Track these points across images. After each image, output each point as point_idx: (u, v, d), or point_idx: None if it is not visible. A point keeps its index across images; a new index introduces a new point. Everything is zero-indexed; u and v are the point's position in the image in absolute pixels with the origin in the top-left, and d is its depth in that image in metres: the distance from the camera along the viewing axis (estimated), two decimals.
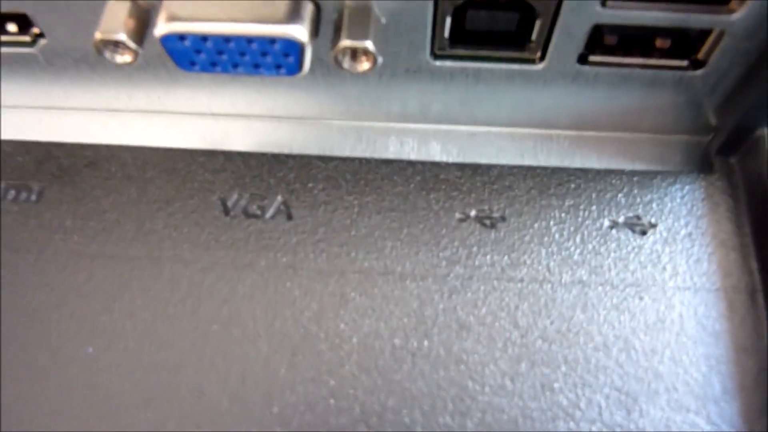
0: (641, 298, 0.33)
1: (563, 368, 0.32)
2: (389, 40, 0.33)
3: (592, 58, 0.34)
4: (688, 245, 0.34)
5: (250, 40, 0.31)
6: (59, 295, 0.33)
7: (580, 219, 0.35)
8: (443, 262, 0.34)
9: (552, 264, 0.34)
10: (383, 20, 0.32)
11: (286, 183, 0.36)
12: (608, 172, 0.36)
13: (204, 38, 0.31)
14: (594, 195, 0.35)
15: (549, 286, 0.33)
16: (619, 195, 0.35)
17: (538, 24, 0.32)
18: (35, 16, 0.34)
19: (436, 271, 0.34)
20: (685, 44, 0.33)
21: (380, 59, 0.31)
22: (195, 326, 0.33)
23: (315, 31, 0.32)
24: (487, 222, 0.35)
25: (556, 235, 0.35)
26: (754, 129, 0.35)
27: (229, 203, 0.35)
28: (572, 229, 0.35)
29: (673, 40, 0.33)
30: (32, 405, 0.32)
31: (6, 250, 0.34)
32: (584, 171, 0.36)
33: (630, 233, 0.35)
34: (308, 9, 0.31)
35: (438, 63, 0.34)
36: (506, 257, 0.34)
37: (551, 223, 0.35)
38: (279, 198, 0.35)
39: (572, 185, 0.36)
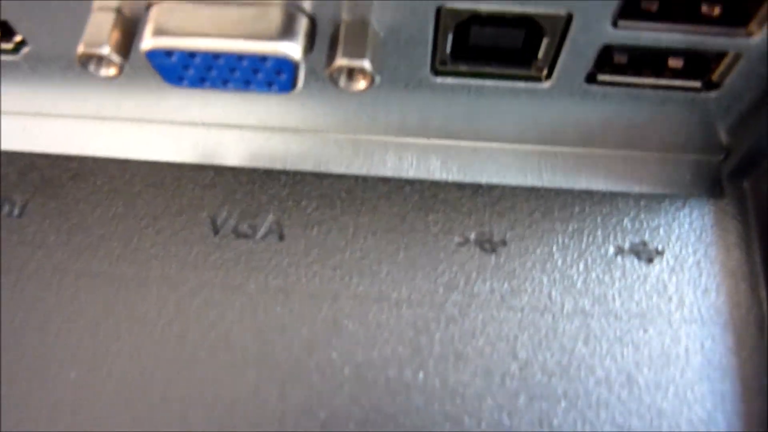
0: (646, 330, 0.32)
1: (563, 403, 0.31)
2: (388, 55, 0.32)
3: (601, 77, 0.32)
4: (696, 274, 0.33)
5: (240, 57, 0.29)
6: (41, 316, 0.32)
7: (584, 245, 0.33)
8: (440, 289, 0.33)
9: (554, 292, 0.33)
10: (381, 34, 0.30)
11: (278, 200, 0.34)
12: (614, 195, 0.35)
13: (192, 54, 0.29)
14: (599, 219, 0.34)
15: (550, 316, 0.32)
16: (625, 219, 0.34)
17: (545, 42, 0.31)
18: (17, 23, 0.32)
19: (433, 298, 0.32)
20: (699, 65, 0.32)
21: (378, 78, 0.29)
22: (181, 352, 0.31)
23: (310, 46, 0.30)
24: (487, 246, 0.34)
25: (559, 262, 0.33)
26: (767, 154, 0.34)
27: (219, 221, 0.34)
28: (576, 255, 0.33)
29: (686, 61, 0.32)
30: (12, 430, 0.31)
31: None
32: (589, 193, 0.35)
33: (636, 260, 0.33)
34: (303, 23, 0.29)
35: (439, 79, 0.33)
36: (506, 284, 0.33)
37: (554, 248, 0.33)
38: (271, 216, 0.34)
39: (576, 208, 0.34)
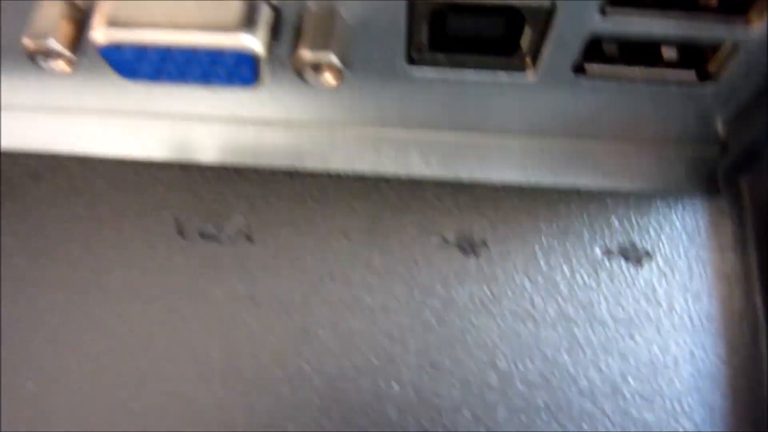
0: (633, 338, 0.30)
1: (543, 416, 0.29)
2: (359, 45, 0.30)
3: (590, 68, 0.30)
4: (687, 278, 0.31)
5: (197, 50, 0.27)
6: None
7: (569, 246, 0.32)
8: (417, 294, 0.31)
9: (536, 298, 0.31)
10: (351, 24, 0.28)
11: (247, 200, 0.32)
12: (602, 193, 0.33)
13: (145, 48, 0.27)
14: (586, 218, 0.32)
15: (532, 323, 0.30)
16: (614, 219, 0.32)
17: (528, 32, 0.29)
18: None
19: (408, 305, 0.31)
20: (694, 55, 0.30)
21: (347, 72, 0.27)
22: (143, 362, 0.30)
23: (274, 37, 0.28)
24: (467, 248, 0.32)
25: (543, 265, 0.31)
26: (766, 149, 0.31)
27: (184, 223, 0.32)
28: (560, 257, 0.32)
29: (681, 51, 0.30)
30: None
31: None
32: (576, 191, 0.33)
33: (624, 263, 0.31)
34: (264, 13, 0.27)
35: (416, 70, 0.31)
36: (486, 289, 0.31)
37: (537, 250, 0.32)
38: (239, 218, 0.32)
39: (562, 207, 0.32)
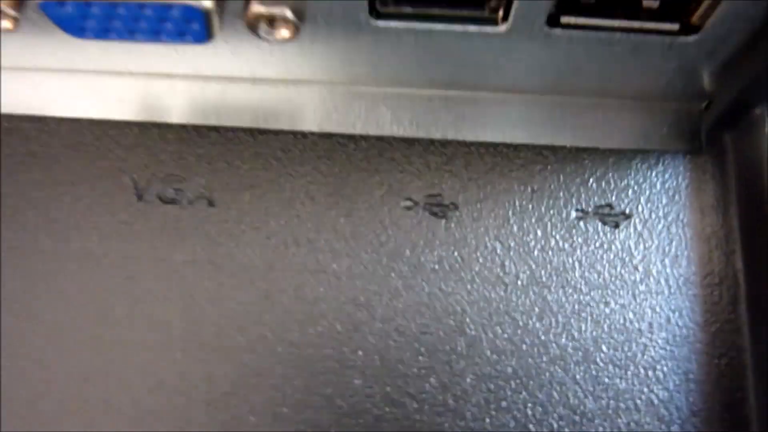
0: (607, 304, 0.29)
1: (513, 383, 0.29)
2: None
3: (565, 19, 0.28)
4: (666, 241, 0.30)
5: (142, 5, 0.26)
6: None
7: (543, 208, 0.30)
8: (384, 259, 0.30)
9: (507, 262, 0.30)
10: None
11: (208, 161, 0.31)
12: (580, 151, 0.31)
13: (88, 3, 0.26)
14: (562, 178, 0.31)
15: (502, 288, 0.29)
16: (591, 179, 0.31)
17: None
18: None
19: (375, 270, 0.30)
20: (677, 6, 0.28)
21: (310, 27, 0.26)
22: (104, 330, 0.29)
23: None
24: (437, 210, 0.30)
25: (515, 228, 0.30)
26: (754, 104, 0.30)
27: (144, 185, 0.31)
28: (534, 220, 0.30)
29: (663, 1, 0.28)
30: None
31: None
32: (553, 149, 0.31)
33: (600, 225, 0.30)
34: None
35: (381, 23, 0.29)
36: (456, 253, 0.30)
37: (510, 212, 0.30)
38: (199, 180, 0.31)
39: (537, 166, 0.31)
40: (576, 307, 0.29)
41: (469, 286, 0.30)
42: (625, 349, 0.29)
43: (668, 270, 0.29)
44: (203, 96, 0.33)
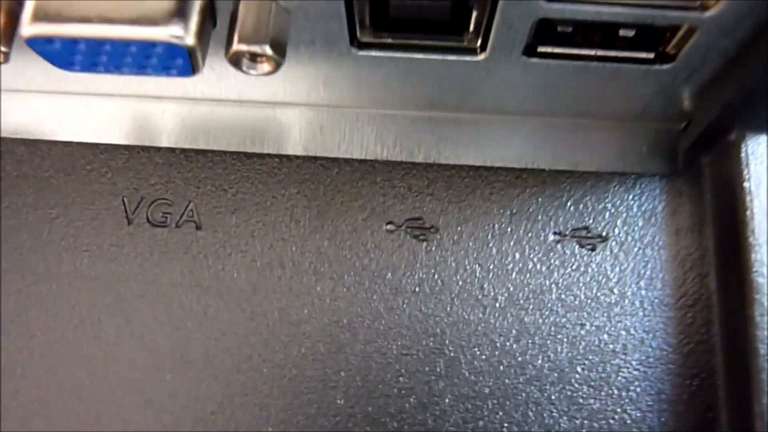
0: (582, 326, 0.30)
1: (490, 403, 0.29)
2: (301, 30, 0.29)
3: (542, 49, 0.29)
4: (641, 263, 0.31)
5: (127, 43, 0.26)
6: None
7: (522, 231, 0.31)
8: (366, 282, 0.31)
9: (486, 285, 0.31)
10: (289, 10, 0.27)
11: (195, 185, 0.32)
12: (558, 174, 0.32)
13: (75, 41, 0.26)
14: (540, 201, 0.31)
15: (481, 310, 0.30)
16: (569, 202, 0.31)
17: (474, 14, 0.27)
18: None
19: (357, 292, 0.31)
20: (652, 36, 0.28)
21: (283, 62, 0.27)
22: (94, 350, 0.30)
23: (211, 24, 0.27)
24: (418, 233, 0.31)
25: (494, 250, 0.31)
26: (729, 130, 0.30)
27: (133, 209, 0.32)
28: (512, 242, 0.31)
29: (639, 32, 0.28)
30: None
31: None
32: (531, 171, 0.32)
33: (577, 248, 0.31)
34: (196, 4, 0.26)
35: (362, 53, 0.30)
36: (436, 275, 0.31)
37: (489, 235, 0.31)
38: (187, 204, 0.32)
39: (517, 189, 0.32)
40: (552, 329, 0.30)
41: (448, 308, 0.30)
42: (600, 370, 0.30)
43: (643, 292, 0.30)
44: (192, 117, 0.34)
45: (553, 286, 0.30)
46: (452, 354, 0.30)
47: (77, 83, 0.34)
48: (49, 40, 0.26)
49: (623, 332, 0.30)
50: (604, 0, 0.26)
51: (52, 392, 0.30)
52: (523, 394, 0.29)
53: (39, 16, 0.26)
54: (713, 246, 0.30)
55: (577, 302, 0.30)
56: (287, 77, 0.32)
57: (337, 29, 0.28)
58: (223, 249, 0.31)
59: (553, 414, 0.29)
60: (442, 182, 0.32)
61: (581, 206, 0.31)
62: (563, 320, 0.30)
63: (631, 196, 0.31)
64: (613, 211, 0.31)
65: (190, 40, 0.26)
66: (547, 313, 0.30)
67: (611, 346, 0.30)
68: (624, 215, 0.31)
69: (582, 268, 0.31)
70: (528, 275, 0.31)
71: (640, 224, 0.31)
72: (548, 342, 0.30)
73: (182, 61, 0.27)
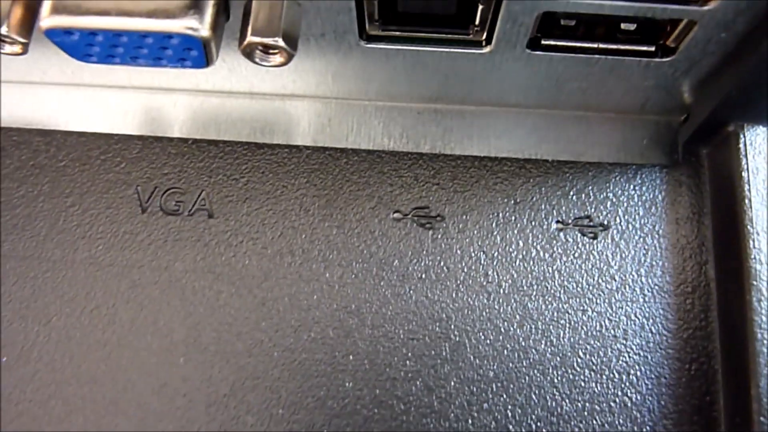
0: (584, 311, 0.31)
1: (494, 386, 0.30)
2: (311, 24, 0.29)
3: (546, 42, 0.30)
4: (642, 251, 0.31)
5: (143, 35, 0.27)
6: None
7: (525, 219, 0.32)
8: (374, 269, 0.32)
9: (491, 271, 0.31)
10: (300, 3, 0.28)
11: (208, 174, 0.33)
12: (561, 164, 0.33)
13: (93, 33, 0.27)
14: (544, 191, 0.32)
15: (486, 296, 0.31)
16: (572, 192, 0.32)
17: (480, 9, 0.28)
18: None
19: (365, 279, 0.31)
20: (653, 29, 0.29)
21: (294, 54, 0.27)
22: (109, 335, 0.31)
23: (224, 17, 0.28)
24: (425, 222, 0.32)
25: (498, 238, 0.32)
26: (727, 122, 0.31)
27: (146, 198, 0.33)
28: (516, 231, 0.32)
29: (640, 24, 0.29)
30: None
31: None
32: (535, 162, 0.33)
33: (579, 236, 0.32)
34: None
35: (370, 46, 0.30)
36: (442, 262, 0.32)
37: (494, 224, 0.32)
38: (200, 193, 0.33)
39: (521, 179, 0.32)
40: (555, 314, 0.31)
41: (454, 294, 0.31)
42: (601, 354, 0.30)
43: (643, 279, 0.31)
44: (203, 109, 0.35)
45: (555, 273, 0.31)
46: (457, 339, 0.31)
47: (91, 75, 0.35)
48: (68, 31, 0.27)
49: (624, 318, 0.31)
50: None
51: (68, 376, 0.31)
52: (527, 378, 0.30)
53: (59, 8, 0.27)
54: (712, 234, 0.31)
55: (579, 289, 0.31)
56: (297, 70, 0.33)
57: (346, 22, 0.29)
58: (235, 237, 0.32)
59: (556, 397, 0.30)
60: (447, 172, 0.33)
61: (583, 196, 0.32)
62: (565, 306, 0.31)
63: (632, 186, 0.32)
64: (614, 200, 0.32)
65: (205, 32, 0.27)
66: (549, 299, 0.31)
67: (612, 331, 0.31)
68: (625, 205, 0.32)
69: (584, 256, 0.31)
70: (531, 262, 0.31)
71: (641, 213, 0.32)
72: (551, 327, 0.31)
73: (197, 53, 0.28)
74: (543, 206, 0.32)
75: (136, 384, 0.31)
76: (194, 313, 0.31)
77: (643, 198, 0.32)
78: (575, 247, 0.32)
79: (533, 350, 0.31)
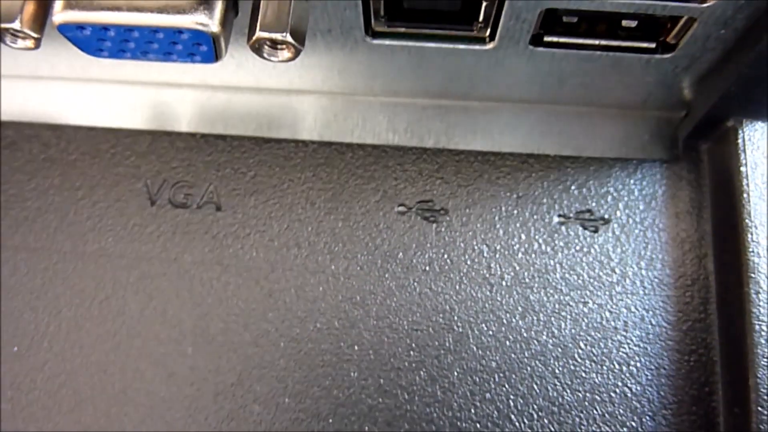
0: (585, 303, 0.31)
1: (496, 377, 0.31)
2: (318, 19, 0.30)
3: (548, 38, 0.30)
4: (642, 245, 0.32)
5: (154, 30, 0.28)
6: None
7: (528, 213, 0.32)
8: (378, 261, 0.32)
9: (493, 264, 0.32)
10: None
11: (216, 168, 0.33)
12: (563, 159, 0.33)
13: (105, 27, 0.28)
14: (546, 185, 0.33)
15: (488, 288, 0.32)
16: (573, 186, 0.33)
17: (484, 5, 0.29)
18: None
19: (370, 271, 0.32)
20: (653, 26, 0.30)
21: (302, 49, 0.28)
22: (119, 326, 0.32)
23: (232, 13, 0.28)
24: (429, 215, 0.33)
25: (501, 232, 0.32)
26: (726, 117, 0.32)
27: (155, 191, 0.33)
28: (518, 224, 0.32)
29: (640, 21, 0.29)
30: None
31: None
32: (537, 157, 0.33)
33: (580, 230, 0.32)
34: None
35: (376, 41, 0.31)
36: (445, 255, 0.32)
37: (496, 217, 0.32)
38: (208, 186, 0.33)
39: (523, 174, 0.33)
40: (556, 306, 0.31)
41: (457, 287, 0.32)
42: (602, 345, 0.31)
43: (644, 272, 0.32)
44: (211, 104, 0.35)
45: (557, 266, 0.32)
46: (461, 330, 0.31)
47: (100, 71, 0.35)
48: (80, 26, 0.28)
49: (624, 310, 0.31)
50: None
51: (78, 366, 0.32)
52: (528, 369, 0.31)
53: (71, 4, 0.27)
54: (711, 228, 0.32)
55: (580, 281, 0.32)
56: (303, 65, 0.33)
57: (352, 19, 0.30)
58: (242, 229, 0.33)
59: (557, 387, 0.31)
60: (451, 167, 0.33)
61: (585, 190, 0.33)
62: (567, 298, 0.31)
63: (632, 181, 0.33)
64: (615, 194, 0.32)
65: (215, 27, 0.27)
66: (551, 291, 0.32)
67: (612, 323, 0.31)
68: (626, 199, 0.32)
69: (585, 249, 0.32)
70: (533, 256, 0.32)
71: (641, 207, 0.32)
72: (552, 319, 0.31)
73: (207, 48, 0.28)
74: (545, 200, 0.33)
75: (145, 373, 0.31)
76: (202, 304, 0.32)
77: (644, 192, 0.32)
78: (576, 241, 0.32)
79: (535, 341, 0.31)
